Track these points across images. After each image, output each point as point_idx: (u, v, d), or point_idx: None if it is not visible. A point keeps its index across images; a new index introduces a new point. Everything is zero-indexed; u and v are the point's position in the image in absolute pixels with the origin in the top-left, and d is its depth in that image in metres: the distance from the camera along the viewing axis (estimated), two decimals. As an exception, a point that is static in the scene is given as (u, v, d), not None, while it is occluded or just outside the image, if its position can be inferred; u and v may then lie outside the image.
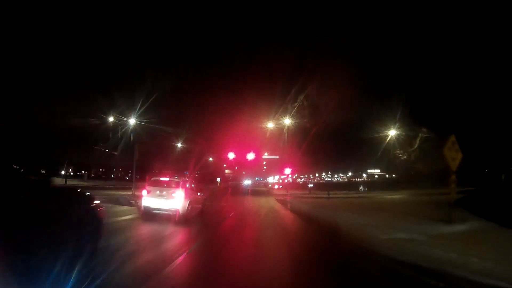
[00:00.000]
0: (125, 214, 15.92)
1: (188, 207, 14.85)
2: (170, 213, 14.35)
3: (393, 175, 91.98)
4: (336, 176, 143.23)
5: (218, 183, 71.89)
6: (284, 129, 39.05)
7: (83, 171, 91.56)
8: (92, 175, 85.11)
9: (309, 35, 46.80)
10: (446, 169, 14.65)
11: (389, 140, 35.99)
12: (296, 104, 36.70)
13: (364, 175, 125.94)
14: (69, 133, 43.46)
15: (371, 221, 14.82)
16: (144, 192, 14.85)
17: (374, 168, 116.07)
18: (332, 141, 52.09)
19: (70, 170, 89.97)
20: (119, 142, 39.56)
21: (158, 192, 14.57)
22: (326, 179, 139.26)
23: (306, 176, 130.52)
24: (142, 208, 14.74)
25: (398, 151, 36.59)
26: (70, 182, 43.89)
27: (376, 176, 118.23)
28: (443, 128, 30.76)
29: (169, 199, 14.38)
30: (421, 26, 31.81)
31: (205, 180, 67.09)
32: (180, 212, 14.33)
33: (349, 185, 78.10)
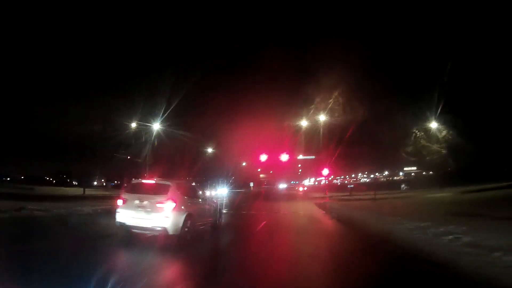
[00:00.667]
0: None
1: (185, 223, 9.34)
2: (156, 233, 8.93)
3: (430, 172, 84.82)
4: (372, 175, 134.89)
5: (251, 187, 66.56)
6: (319, 127, 36.08)
7: (115, 181, 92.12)
8: (125, 185, 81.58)
9: (343, 29, 42.23)
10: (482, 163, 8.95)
11: (426, 134, 33.18)
12: (330, 101, 34.61)
13: (401, 173, 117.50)
14: (93, 143, 41.00)
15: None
16: (119, 201, 9.46)
17: (411, 166, 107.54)
18: (368, 140, 46.40)
19: (102, 180, 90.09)
20: (143, 148, 36.99)
21: (137, 201, 9.11)
22: (362, 179, 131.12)
23: (342, 177, 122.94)
24: (117, 224, 9.37)
25: (436, 145, 33.10)
26: (90, 192, 39.97)
27: (412, 174, 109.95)
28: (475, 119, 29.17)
29: (152, 212, 8.90)
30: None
31: (238, 185, 62.89)
32: (170, 231, 8.88)
33: (389, 184, 71.18)
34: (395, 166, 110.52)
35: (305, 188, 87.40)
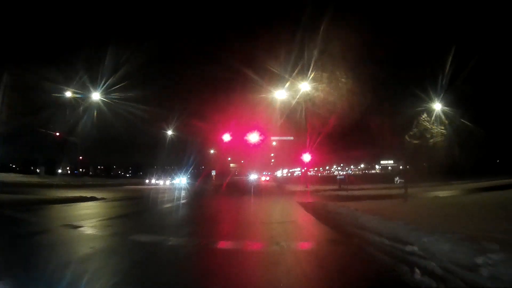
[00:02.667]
0: None
1: None
2: None
3: (407, 166, 74.04)
4: (347, 168, 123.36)
5: (213, 177, 52.52)
6: (298, 100, 29.93)
7: (80, 169, 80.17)
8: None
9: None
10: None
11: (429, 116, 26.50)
12: (311, 74, 27.93)
13: (377, 166, 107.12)
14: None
15: None
16: None
17: (387, 159, 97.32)
18: (349, 131, 38.37)
19: (67, 168, 79.00)
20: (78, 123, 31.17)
21: None
22: (335, 172, 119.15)
23: (316, 169, 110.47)
24: None
25: (440, 127, 26.02)
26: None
27: (389, 168, 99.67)
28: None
29: None
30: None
31: (203, 174, 50.97)
32: None
33: (377, 177, 59.76)
34: (372, 159, 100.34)
35: (267, 178, 74.22)
